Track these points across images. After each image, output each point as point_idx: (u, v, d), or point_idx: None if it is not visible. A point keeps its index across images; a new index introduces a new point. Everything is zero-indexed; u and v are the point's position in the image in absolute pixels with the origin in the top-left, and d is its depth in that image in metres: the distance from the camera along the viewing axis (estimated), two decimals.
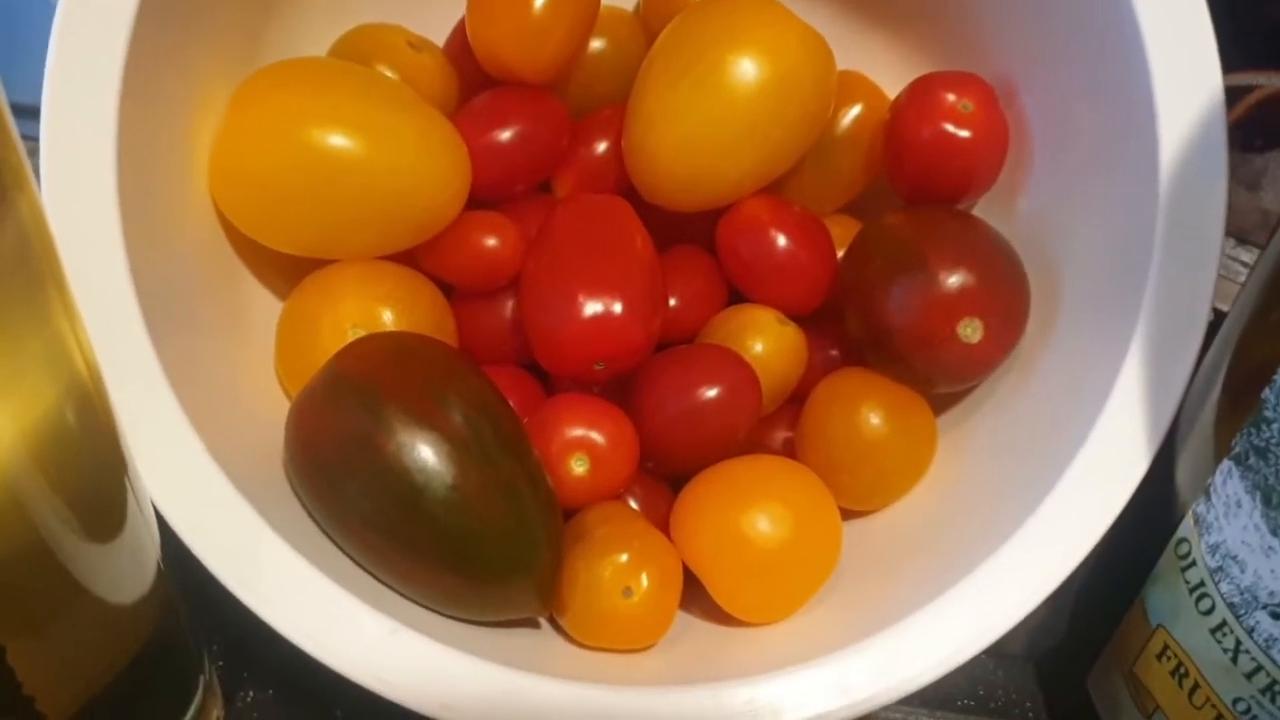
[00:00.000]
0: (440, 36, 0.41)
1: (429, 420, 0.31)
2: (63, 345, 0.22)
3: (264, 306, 0.37)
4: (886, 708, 0.35)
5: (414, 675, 0.29)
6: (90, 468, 0.24)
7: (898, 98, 0.38)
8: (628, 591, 0.32)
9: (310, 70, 0.36)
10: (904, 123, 0.38)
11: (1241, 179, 0.46)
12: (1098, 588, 0.35)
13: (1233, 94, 0.46)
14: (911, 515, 0.37)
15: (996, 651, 0.36)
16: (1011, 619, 0.31)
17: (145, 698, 0.28)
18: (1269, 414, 0.26)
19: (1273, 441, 0.26)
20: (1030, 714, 0.37)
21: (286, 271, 0.37)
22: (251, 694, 0.36)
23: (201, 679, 0.31)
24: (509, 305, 0.38)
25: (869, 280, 0.36)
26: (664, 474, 0.37)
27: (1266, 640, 0.28)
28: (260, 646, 0.36)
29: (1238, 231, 0.46)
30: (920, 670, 0.31)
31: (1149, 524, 0.32)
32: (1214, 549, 0.29)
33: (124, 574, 0.26)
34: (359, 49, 0.39)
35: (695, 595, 0.35)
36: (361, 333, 0.34)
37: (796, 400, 0.39)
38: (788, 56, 0.36)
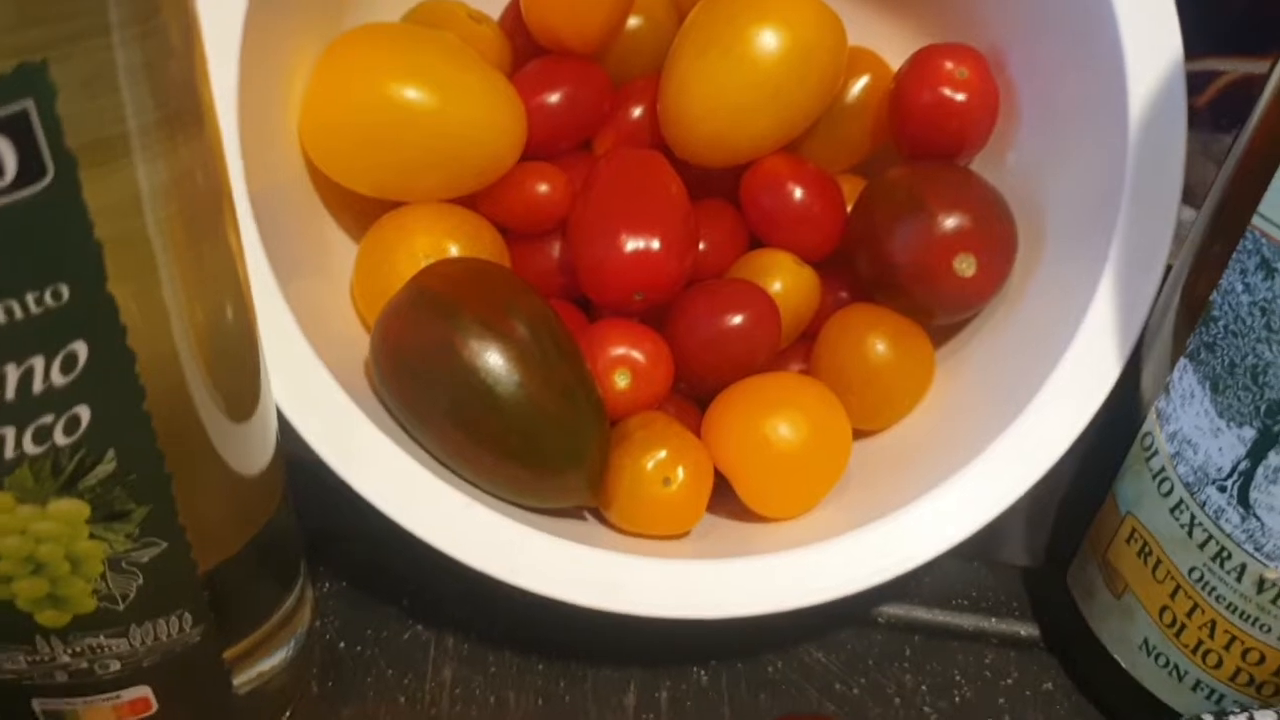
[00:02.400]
0: (495, 12, 0.46)
1: (500, 328, 0.35)
2: (231, 255, 0.27)
3: (340, 242, 0.42)
4: (889, 603, 0.40)
5: (486, 543, 0.34)
6: (238, 360, 0.28)
7: (901, 67, 0.43)
8: (667, 481, 0.37)
9: (388, 33, 0.41)
10: (907, 88, 0.43)
11: (1212, 156, 0.51)
12: (1076, 495, 0.40)
13: (1203, 79, 0.52)
14: (912, 431, 0.42)
15: (987, 558, 0.41)
16: (1000, 505, 0.36)
17: (266, 567, 0.32)
18: (1215, 313, 0.31)
19: (1219, 337, 0.31)
20: (1017, 611, 0.42)
21: (358, 214, 0.42)
22: (328, 584, 0.40)
23: (303, 563, 0.35)
24: (557, 246, 0.43)
25: (876, 224, 0.41)
26: (693, 393, 0.42)
27: (1215, 511, 0.32)
28: (332, 545, 0.41)
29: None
30: (922, 547, 0.36)
31: (1119, 427, 0.37)
32: (1172, 436, 0.34)
33: (254, 449, 0.30)
34: (427, 20, 0.44)
35: (721, 499, 0.39)
36: (432, 260, 0.39)
37: (808, 337, 0.43)
38: (805, 29, 0.41)
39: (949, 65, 0.42)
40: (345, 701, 0.38)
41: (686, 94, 0.42)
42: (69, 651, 0.28)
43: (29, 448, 0.23)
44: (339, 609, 0.40)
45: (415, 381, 0.36)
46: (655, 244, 0.39)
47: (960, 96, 0.42)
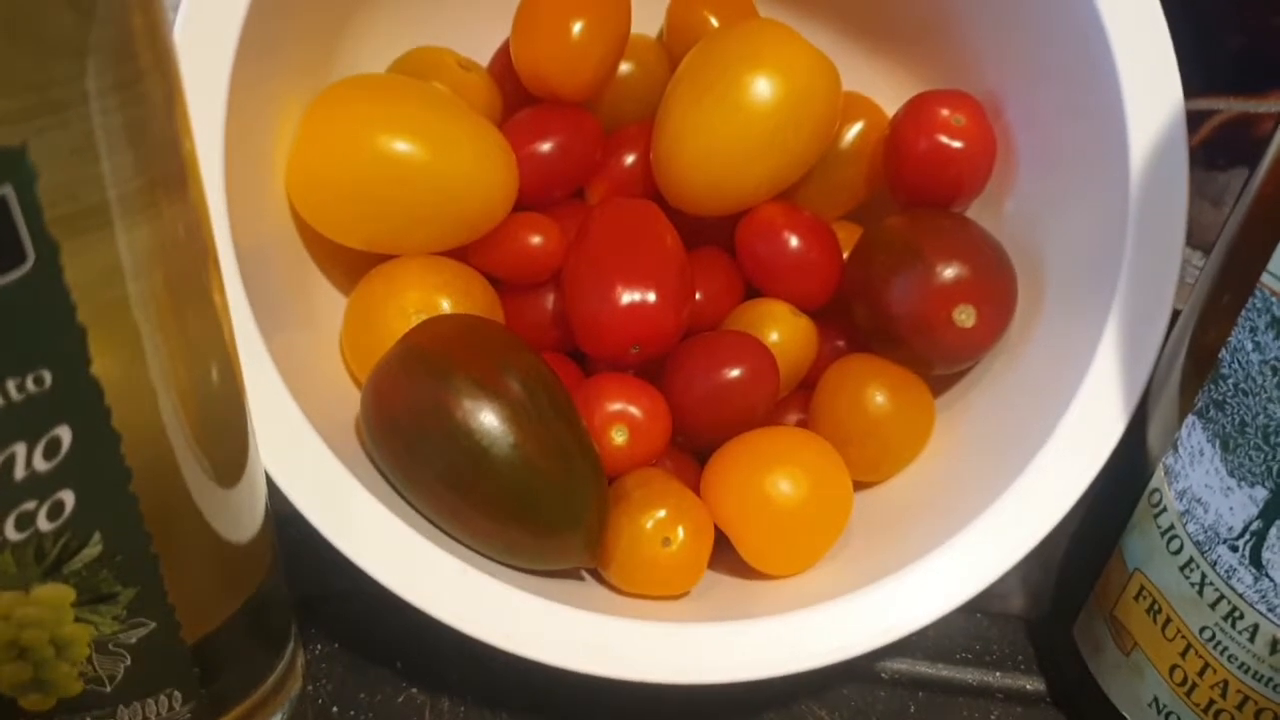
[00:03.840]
0: (484, 58, 0.45)
1: (493, 388, 0.35)
2: (217, 316, 0.26)
3: (328, 297, 0.41)
4: (892, 658, 0.39)
5: (480, 609, 0.34)
6: (225, 425, 0.28)
7: (897, 113, 0.43)
8: (666, 541, 0.36)
9: (376, 84, 0.40)
10: (903, 135, 0.42)
11: (1206, 195, 0.51)
12: (1081, 548, 0.39)
13: (1197, 118, 0.51)
14: (913, 484, 0.41)
15: (990, 611, 0.40)
16: (1005, 565, 0.36)
17: (256, 635, 0.32)
18: (1225, 370, 0.31)
19: (1228, 395, 0.31)
20: (1022, 665, 0.41)
21: (346, 268, 0.42)
22: (320, 647, 0.39)
23: (293, 628, 0.34)
24: (550, 298, 0.42)
25: (874, 274, 0.41)
26: (691, 447, 0.41)
27: (1227, 571, 0.32)
28: (323, 606, 0.40)
29: (1203, 245, 0.50)
30: (925, 609, 0.35)
31: (1125, 482, 0.36)
32: (1181, 494, 0.33)
33: (243, 516, 0.29)
34: (414, 69, 0.43)
35: (721, 555, 0.39)
36: (424, 317, 0.38)
37: (806, 387, 0.43)
38: (799, 76, 0.41)
39: (945, 112, 0.41)
40: None
41: (680, 142, 0.41)
42: None
43: (11, 534, 0.23)
44: (331, 672, 0.39)
45: (407, 443, 0.35)
46: (651, 296, 0.39)
47: (957, 144, 0.41)
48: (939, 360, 0.40)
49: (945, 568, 0.36)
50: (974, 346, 0.40)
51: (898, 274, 0.40)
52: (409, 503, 0.36)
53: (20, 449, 0.21)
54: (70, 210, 0.20)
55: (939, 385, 0.42)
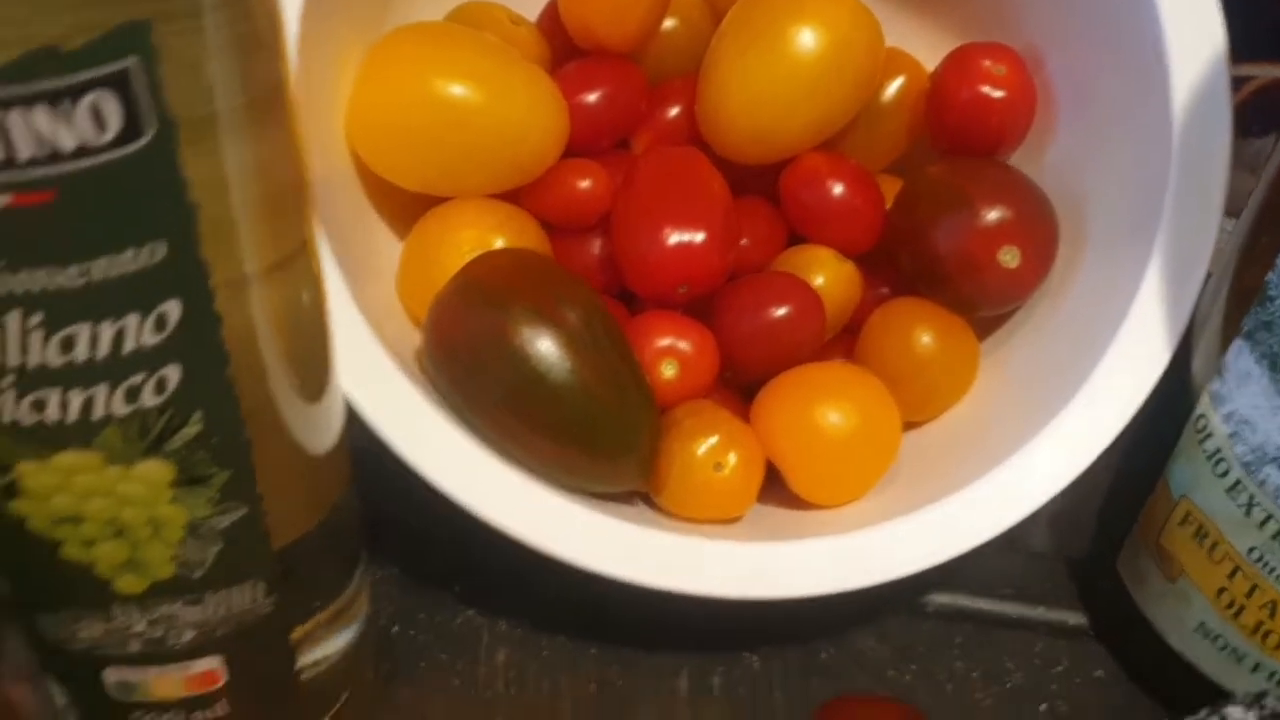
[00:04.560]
0: (532, 15, 0.46)
1: (550, 317, 0.36)
2: (310, 241, 0.27)
3: (385, 238, 0.42)
4: (936, 591, 0.40)
5: (542, 520, 0.34)
6: (312, 342, 0.29)
7: (939, 65, 0.44)
8: (719, 466, 0.37)
9: (433, 31, 0.42)
10: (945, 86, 0.43)
11: (1242, 161, 0.51)
12: (1124, 481, 0.40)
13: (1232, 84, 0.52)
14: (957, 422, 0.42)
15: (1031, 549, 0.41)
16: (1049, 492, 0.37)
17: (333, 549, 0.33)
18: (1272, 292, 0.32)
19: (1277, 315, 0.32)
20: (1064, 600, 0.42)
21: (401, 211, 0.43)
22: (379, 571, 0.40)
23: (363, 549, 0.35)
24: (597, 243, 0.43)
25: (920, 217, 0.41)
26: (736, 386, 0.42)
27: (1275, 490, 0.33)
28: (382, 533, 0.41)
29: (1236, 212, 0.50)
30: (971, 534, 0.36)
31: (1169, 413, 0.37)
32: (1228, 417, 0.34)
33: (324, 432, 0.30)
34: (466, 23, 0.44)
35: (770, 489, 0.39)
36: (477, 254, 0.39)
37: (849, 332, 0.44)
38: (842, 27, 0.42)
39: (987, 63, 0.42)
40: (401, 685, 0.38)
41: (727, 91, 0.42)
42: (145, 619, 0.28)
43: (119, 408, 0.24)
44: (391, 594, 0.40)
45: (468, 370, 0.36)
46: (699, 237, 0.40)
47: (998, 94, 0.42)
48: (984, 302, 0.41)
49: (990, 495, 0.37)
50: (1018, 287, 0.41)
51: (944, 217, 0.41)
52: (471, 428, 0.37)
53: (132, 321, 0.22)
54: (182, 113, 0.21)
55: (982, 329, 0.43)
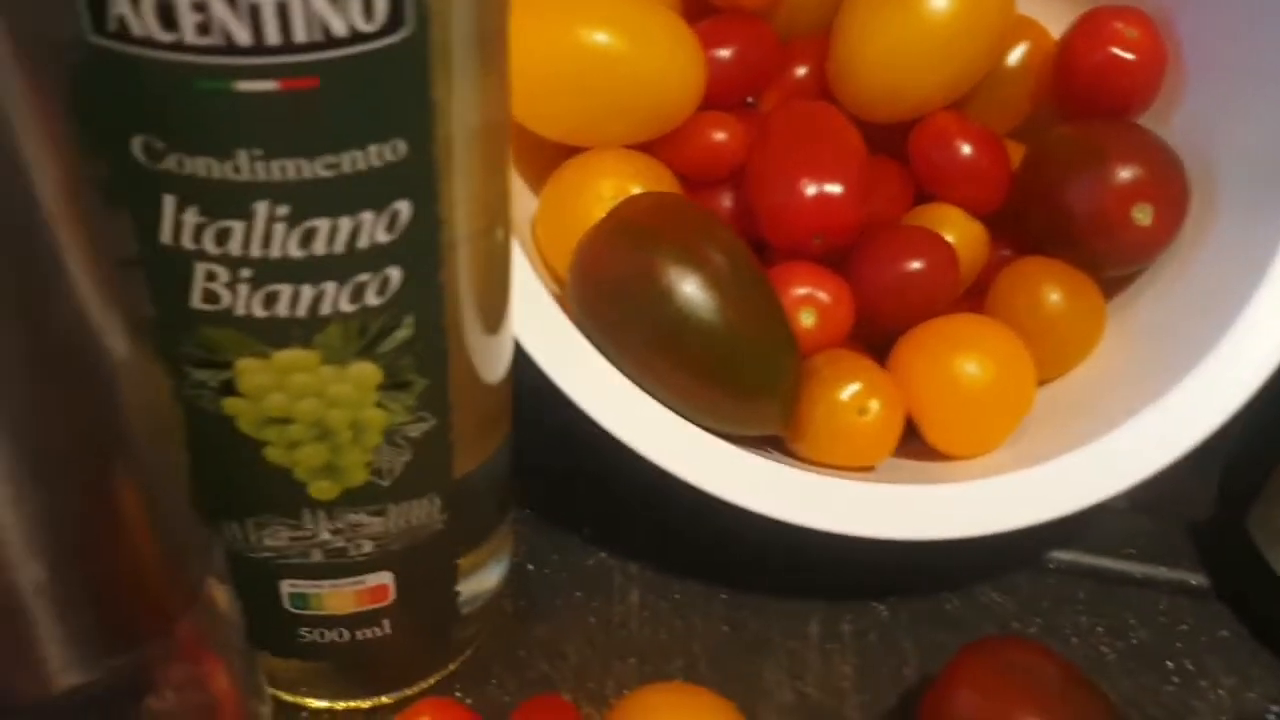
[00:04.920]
0: None
1: (697, 257, 0.36)
2: (506, 182, 0.28)
3: (517, 189, 0.43)
4: (1059, 548, 0.40)
5: (690, 454, 0.35)
6: (501, 271, 0.29)
7: (1070, 28, 0.44)
8: (862, 411, 0.37)
9: None
10: (1076, 48, 0.44)
11: None
12: (1255, 440, 0.40)
13: None
14: (1084, 380, 0.42)
15: (1152, 509, 0.41)
16: (1180, 448, 0.37)
17: (496, 484, 0.33)
18: None
19: None
20: (1186, 561, 0.42)
21: (530, 163, 0.43)
22: (515, 512, 0.41)
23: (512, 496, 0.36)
24: (728, 196, 0.44)
25: (1051, 176, 0.42)
26: (867, 340, 0.43)
27: None
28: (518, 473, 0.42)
29: None
30: (1099, 487, 0.36)
31: None
32: None
33: (497, 365, 0.31)
34: None
35: (901, 444, 0.40)
36: (617, 201, 0.40)
37: (974, 293, 0.44)
38: None
39: (1119, 25, 0.43)
40: (538, 620, 0.38)
41: (860, 47, 0.43)
42: (330, 528, 0.29)
43: (344, 305, 0.24)
44: (524, 534, 0.40)
45: (615, 308, 0.37)
46: (836, 188, 0.40)
47: (1129, 55, 0.42)
48: (1115, 260, 0.42)
49: (1120, 451, 0.37)
50: (1150, 246, 0.41)
51: (1076, 175, 0.41)
52: (616, 366, 0.37)
53: (367, 218, 0.23)
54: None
55: (1108, 289, 0.43)
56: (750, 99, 0.47)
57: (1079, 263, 0.42)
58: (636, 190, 0.41)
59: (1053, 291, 0.41)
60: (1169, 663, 0.39)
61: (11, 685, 0.22)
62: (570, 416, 0.35)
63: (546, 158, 0.43)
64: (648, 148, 0.43)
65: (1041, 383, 0.43)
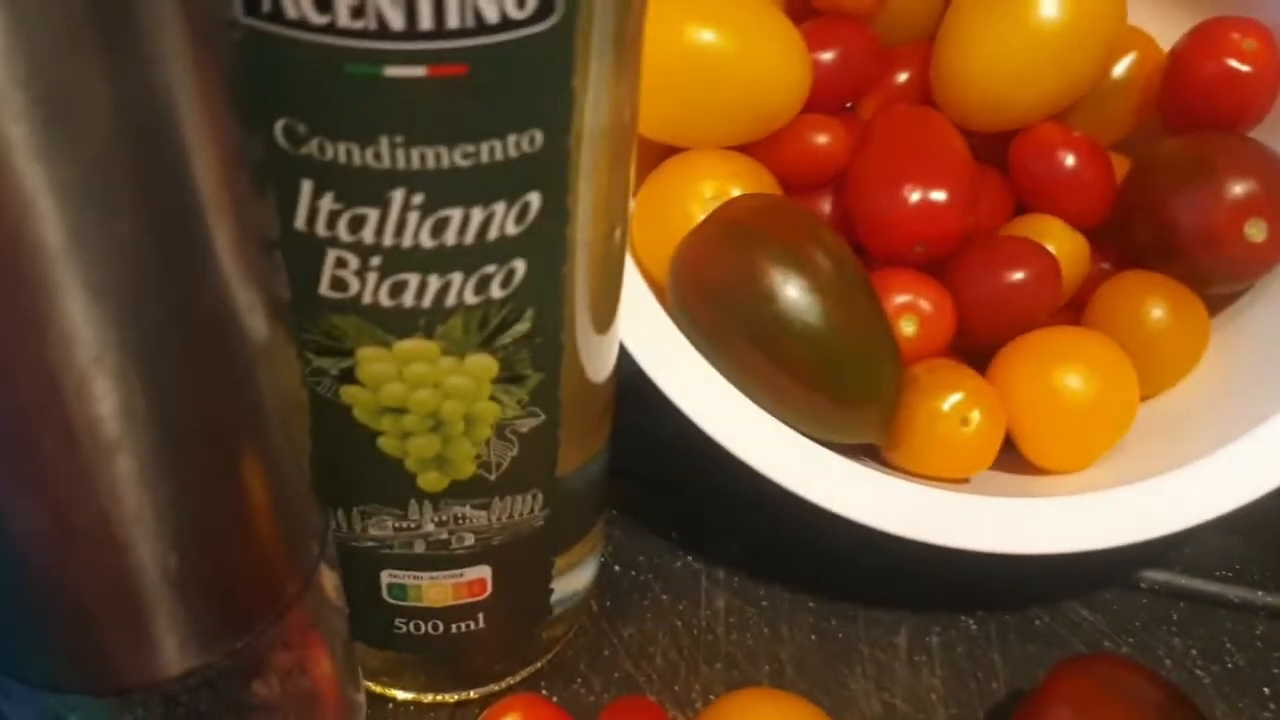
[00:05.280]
0: None
1: (803, 258, 0.36)
2: (628, 183, 0.27)
3: None
4: (1152, 569, 0.40)
5: (788, 458, 0.35)
6: (612, 279, 0.29)
7: (1182, 39, 0.43)
8: (965, 422, 0.37)
9: None
10: (1188, 59, 0.43)
11: None
12: None
13: None
14: (1185, 398, 0.41)
15: (1247, 533, 0.41)
16: (1273, 480, 0.36)
17: (594, 486, 0.33)
18: None
19: None
20: None
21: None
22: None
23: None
24: (828, 202, 0.43)
25: (1159, 190, 0.41)
26: (965, 350, 0.42)
27: None
28: None
29: None
30: (1200, 508, 0.35)
31: None
32: None
33: (604, 365, 0.31)
34: None
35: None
36: (718, 203, 0.40)
37: (1071, 308, 0.43)
38: None
39: (1235, 36, 0.42)
40: (624, 621, 0.38)
41: (966, 55, 0.42)
42: (435, 519, 0.29)
43: (469, 297, 0.24)
44: (612, 535, 0.40)
45: (717, 309, 0.37)
46: (940, 195, 0.39)
47: (1245, 68, 0.42)
48: (1223, 276, 0.41)
49: (1223, 471, 0.36)
50: (1261, 262, 0.40)
51: (1186, 189, 0.40)
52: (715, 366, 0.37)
53: (499, 209, 0.23)
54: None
55: (1212, 305, 0.42)
56: (850, 104, 0.46)
57: (1184, 278, 0.41)
58: (737, 192, 0.41)
59: (1156, 306, 0.41)
60: (1266, 689, 0.38)
61: (129, 666, 0.22)
62: (661, 419, 0.35)
63: (641, 158, 0.43)
64: (748, 150, 0.43)
65: (1141, 398, 0.42)
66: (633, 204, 0.42)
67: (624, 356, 0.34)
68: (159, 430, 0.19)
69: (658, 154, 0.42)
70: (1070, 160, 0.43)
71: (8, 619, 0.21)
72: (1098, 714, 0.32)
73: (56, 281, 0.16)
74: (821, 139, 0.42)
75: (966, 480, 0.38)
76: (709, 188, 0.41)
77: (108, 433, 0.18)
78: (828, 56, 0.44)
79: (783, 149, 0.42)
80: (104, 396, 0.17)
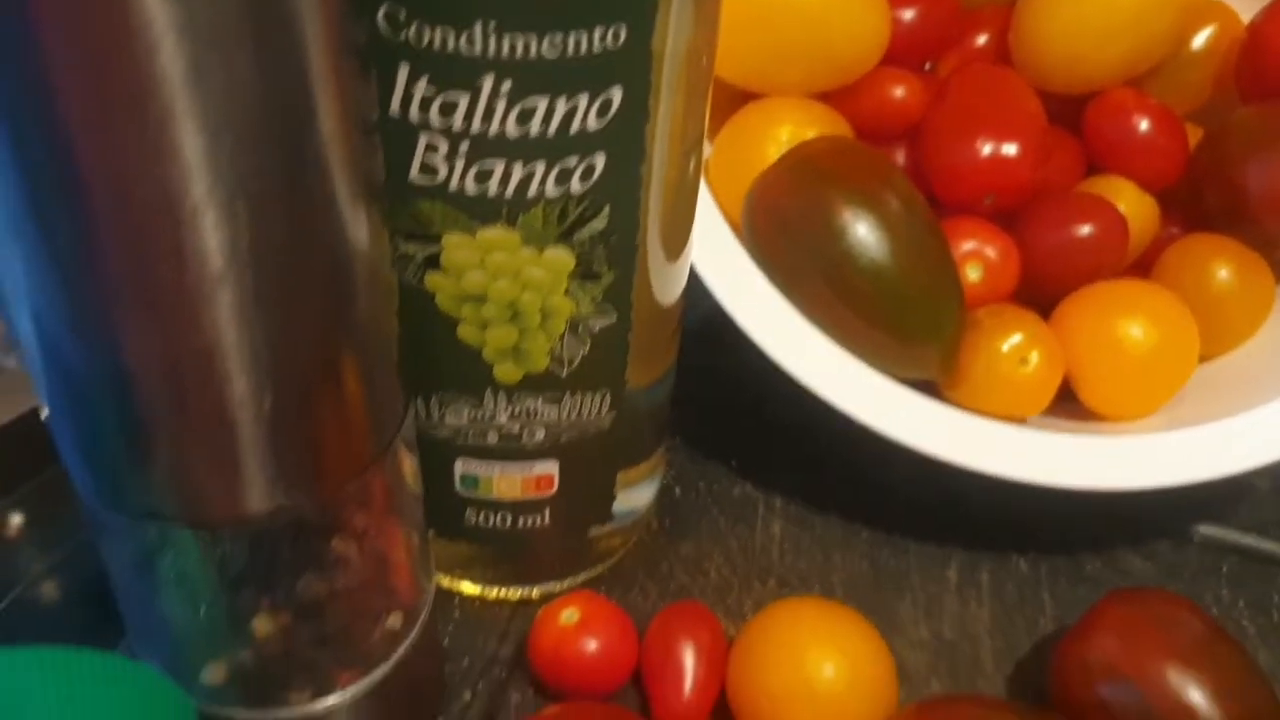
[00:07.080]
0: None
1: (874, 198, 0.37)
2: (703, 120, 0.29)
3: None
4: (1204, 522, 0.40)
5: (854, 387, 0.36)
6: (684, 204, 0.31)
7: (1263, 10, 0.44)
8: (1024, 361, 0.38)
9: None
10: (1268, 32, 0.43)
11: None
12: None
13: None
14: (1246, 359, 0.42)
15: None
16: None
17: (658, 409, 0.35)
18: None
19: None
20: None
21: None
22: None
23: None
24: (901, 153, 0.45)
25: (1231, 156, 0.42)
26: (1030, 301, 0.43)
27: None
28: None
29: None
30: (1257, 451, 0.36)
31: None
32: None
33: (673, 292, 0.32)
34: None
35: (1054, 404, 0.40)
36: None
37: (1137, 268, 0.44)
38: None
39: None
40: (683, 539, 0.40)
41: (1046, 17, 0.43)
42: (509, 411, 0.31)
43: (550, 189, 0.26)
44: (674, 461, 0.42)
45: (791, 243, 0.38)
46: (1011, 149, 0.41)
47: None
48: None
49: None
50: None
51: (1258, 155, 0.41)
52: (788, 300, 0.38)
53: (582, 101, 0.25)
54: None
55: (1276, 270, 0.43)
56: (928, 65, 0.47)
57: (1250, 242, 0.42)
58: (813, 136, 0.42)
59: (1223, 267, 0.41)
60: None
61: (221, 500, 0.24)
62: (729, 358, 0.36)
63: (722, 104, 0.44)
64: (825, 99, 0.44)
65: (1202, 359, 0.42)
66: (710, 148, 0.44)
67: (696, 296, 0.35)
68: (261, 270, 0.20)
69: (738, 101, 0.44)
70: (1144, 124, 0.44)
71: (113, 452, 0.23)
72: (1141, 644, 0.33)
73: (179, 114, 0.18)
74: (898, 92, 0.43)
75: (1024, 420, 0.39)
76: (786, 132, 0.42)
77: (215, 264, 0.20)
78: (908, 14, 0.45)
79: (859, 100, 0.44)
80: (213, 229, 0.19)
